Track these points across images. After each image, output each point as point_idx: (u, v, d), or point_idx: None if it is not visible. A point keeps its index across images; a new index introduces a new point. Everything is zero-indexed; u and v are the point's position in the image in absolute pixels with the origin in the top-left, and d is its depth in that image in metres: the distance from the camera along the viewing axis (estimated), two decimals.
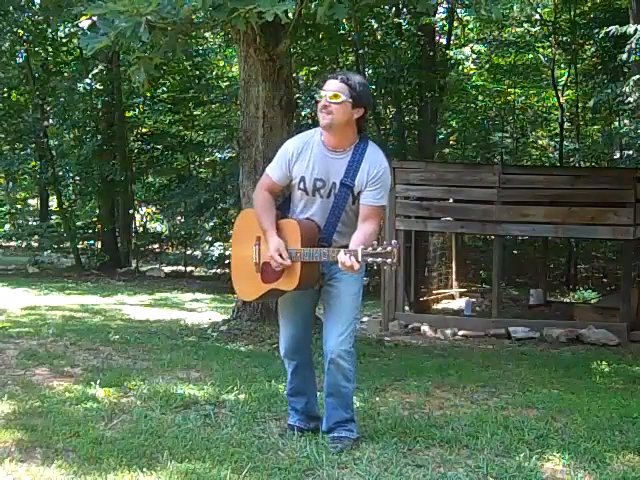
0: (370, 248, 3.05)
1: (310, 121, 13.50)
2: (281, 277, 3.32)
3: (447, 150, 18.33)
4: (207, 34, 15.25)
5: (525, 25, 15.49)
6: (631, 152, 13.53)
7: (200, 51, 16.18)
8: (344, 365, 3.35)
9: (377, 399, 4.46)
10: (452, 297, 12.13)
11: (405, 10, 13.96)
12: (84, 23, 5.14)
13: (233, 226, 3.77)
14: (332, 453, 3.28)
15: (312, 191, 3.37)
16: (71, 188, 17.88)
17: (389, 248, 3.02)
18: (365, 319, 9.38)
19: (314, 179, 3.35)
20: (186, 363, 5.36)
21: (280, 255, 3.25)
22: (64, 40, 16.32)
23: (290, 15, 4.86)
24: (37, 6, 13.55)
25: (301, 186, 3.39)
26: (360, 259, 3.04)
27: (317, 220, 3.37)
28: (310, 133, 3.47)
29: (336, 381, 3.38)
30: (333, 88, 3.29)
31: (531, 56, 16.37)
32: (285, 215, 3.48)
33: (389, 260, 3.02)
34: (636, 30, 8.12)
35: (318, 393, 3.74)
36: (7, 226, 22.22)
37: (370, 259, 3.03)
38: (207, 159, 18.26)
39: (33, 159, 17.55)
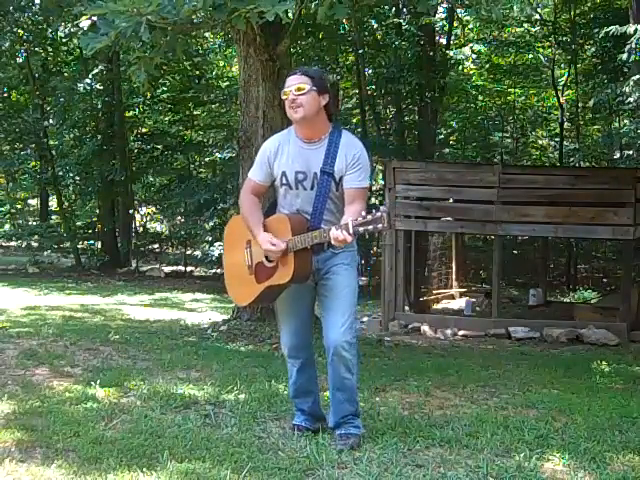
0: (360, 218, 3.06)
1: None
2: (275, 273, 3.32)
3: (447, 150, 18.33)
4: (207, 34, 15.25)
5: (525, 25, 15.51)
6: (631, 152, 13.54)
7: (200, 51, 16.19)
8: (346, 356, 3.33)
9: (377, 399, 4.45)
10: (452, 297, 12.14)
11: (405, 10, 13.96)
12: (84, 23, 5.12)
13: (223, 234, 3.79)
14: (338, 450, 3.28)
15: (295, 184, 3.39)
16: (71, 188, 17.90)
17: (378, 214, 3.02)
18: (365, 319, 9.38)
19: (295, 172, 3.38)
20: (186, 363, 5.35)
21: (273, 244, 3.26)
22: (64, 40, 16.31)
23: (290, 15, 4.86)
24: (37, 6, 13.58)
25: (284, 181, 3.42)
26: (352, 231, 3.05)
27: (304, 212, 3.38)
28: (284, 132, 3.55)
29: (339, 373, 3.37)
30: (295, 82, 3.36)
31: (531, 56, 16.38)
32: None
33: (380, 226, 3.01)
34: (636, 30, 8.12)
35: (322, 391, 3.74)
36: (7, 226, 22.19)
37: (361, 228, 3.04)
38: (207, 159, 18.26)
39: (33, 159, 17.55)
